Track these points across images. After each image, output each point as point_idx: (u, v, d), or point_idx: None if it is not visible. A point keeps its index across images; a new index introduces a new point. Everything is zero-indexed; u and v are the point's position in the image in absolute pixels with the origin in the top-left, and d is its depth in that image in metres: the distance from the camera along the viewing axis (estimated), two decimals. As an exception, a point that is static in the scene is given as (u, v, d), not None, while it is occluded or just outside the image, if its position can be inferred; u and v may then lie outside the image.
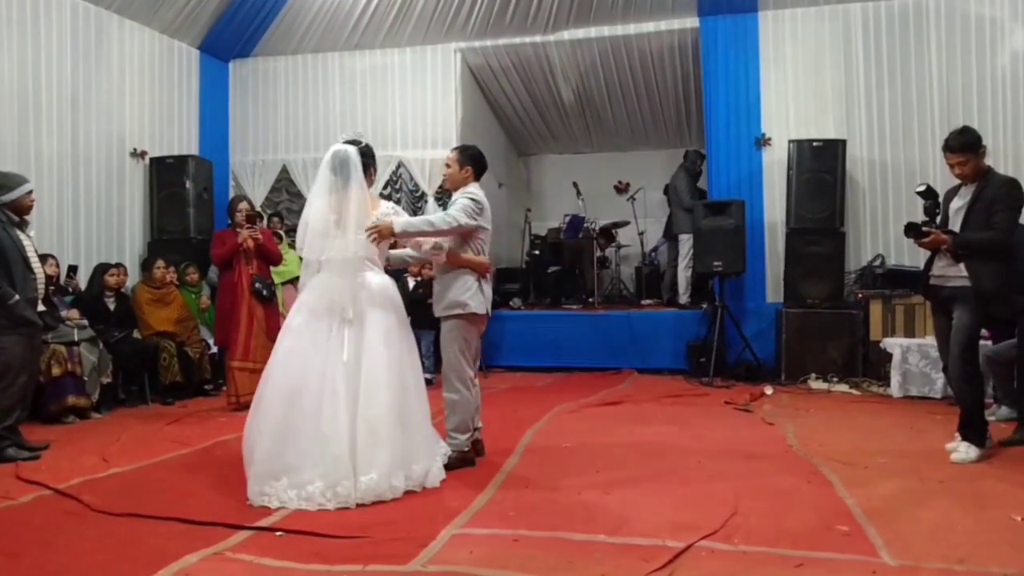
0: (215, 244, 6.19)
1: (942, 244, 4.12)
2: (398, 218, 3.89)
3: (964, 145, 4.07)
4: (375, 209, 3.89)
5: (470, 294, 4.08)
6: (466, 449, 4.12)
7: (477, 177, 4.27)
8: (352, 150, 3.79)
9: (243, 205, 6.20)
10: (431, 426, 3.97)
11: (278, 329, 5.51)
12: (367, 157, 3.88)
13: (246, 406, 5.01)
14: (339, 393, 3.54)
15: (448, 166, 4.29)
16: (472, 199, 4.08)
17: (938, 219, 4.29)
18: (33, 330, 4.61)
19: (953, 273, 4.14)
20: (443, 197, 8.49)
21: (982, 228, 4.04)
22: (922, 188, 4.40)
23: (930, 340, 6.25)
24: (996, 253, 4.03)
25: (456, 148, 4.40)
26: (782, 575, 2.56)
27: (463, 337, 4.11)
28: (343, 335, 3.64)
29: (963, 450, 4.12)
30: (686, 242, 8.29)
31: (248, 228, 6.02)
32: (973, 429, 4.14)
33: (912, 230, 4.22)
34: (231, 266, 6.02)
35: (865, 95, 7.59)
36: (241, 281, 5.99)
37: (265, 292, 6.06)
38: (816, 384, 6.79)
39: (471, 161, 4.25)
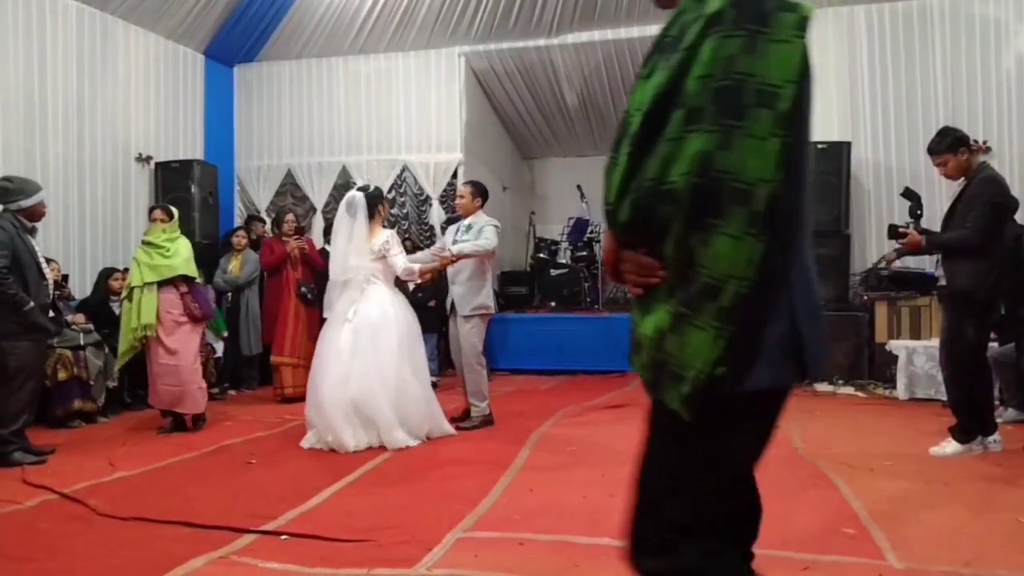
0: (264, 252, 6.86)
1: (917, 244, 4.20)
2: (456, 246, 5.15)
3: (942, 146, 4.17)
4: (375, 237, 4.94)
5: (491, 299, 5.38)
6: (487, 412, 5.27)
7: (483, 205, 5.45)
8: (360, 195, 4.97)
9: (290, 217, 6.92)
10: (417, 406, 4.81)
11: (318, 329, 6.37)
12: (375, 199, 5.02)
13: (292, 398, 6.24)
14: (333, 374, 4.67)
15: (461, 196, 5.47)
16: (496, 225, 5.35)
17: (921, 220, 4.43)
18: (43, 336, 4.64)
19: (942, 274, 4.26)
20: (447, 201, 8.52)
21: (959, 227, 4.07)
22: (903, 191, 4.69)
23: (936, 342, 6.25)
24: (967, 252, 4.06)
25: (468, 182, 5.77)
26: (788, 578, 2.56)
27: (483, 330, 5.35)
28: (345, 331, 4.75)
29: (941, 444, 4.23)
30: None
31: (296, 238, 6.73)
32: (956, 425, 4.21)
33: (893, 232, 4.39)
34: (279, 272, 6.67)
35: (870, 97, 7.57)
36: (289, 286, 6.63)
37: (309, 296, 6.61)
38: (822, 386, 6.77)
39: (482, 194, 5.45)
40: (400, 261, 4.94)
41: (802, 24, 1.27)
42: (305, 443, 4.75)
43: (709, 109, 1.23)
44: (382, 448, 4.60)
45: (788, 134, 1.23)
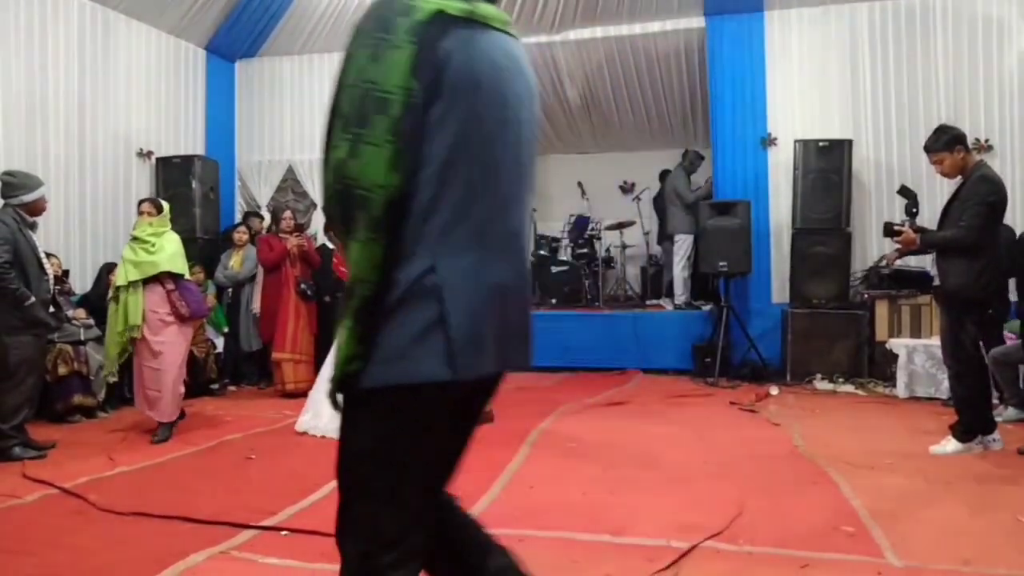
0: (262, 249, 6.92)
1: (912, 242, 4.22)
2: None
3: (938, 145, 4.19)
4: None
5: None
6: (487, 409, 4.97)
7: None
8: None
9: (287, 214, 7.01)
10: None
11: (317, 324, 6.69)
12: None
13: (293, 393, 6.32)
14: None
15: None
16: None
17: (917, 217, 4.49)
18: (44, 331, 4.64)
19: (936, 272, 4.31)
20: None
21: (954, 225, 4.08)
22: (899, 188, 4.76)
23: (936, 341, 6.26)
24: (960, 251, 4.08)
25: None
26: (787, 576, 2.56)
27: None
28: None
29: (941, 442, 4.25)
30: (683, 243, 8.26)
31: (296, 235, 6.84)
32: (957, 424, 4.23)
33: (888, 230, 4.42)
34: (278, 268, 6.74)
35: (871, 95, 7.56)
36: (288, 283, 6.71)
37: (309, 292, 6.74)
38: (822, 385, 6.78)
39: None
40: None
41: (415, 28, 1.30)
42: (299, 426, 5.01)
43: (350, 118, 1.31)
44: None
45: (402, 140, 1.29)
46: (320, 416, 4.89)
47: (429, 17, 1.31)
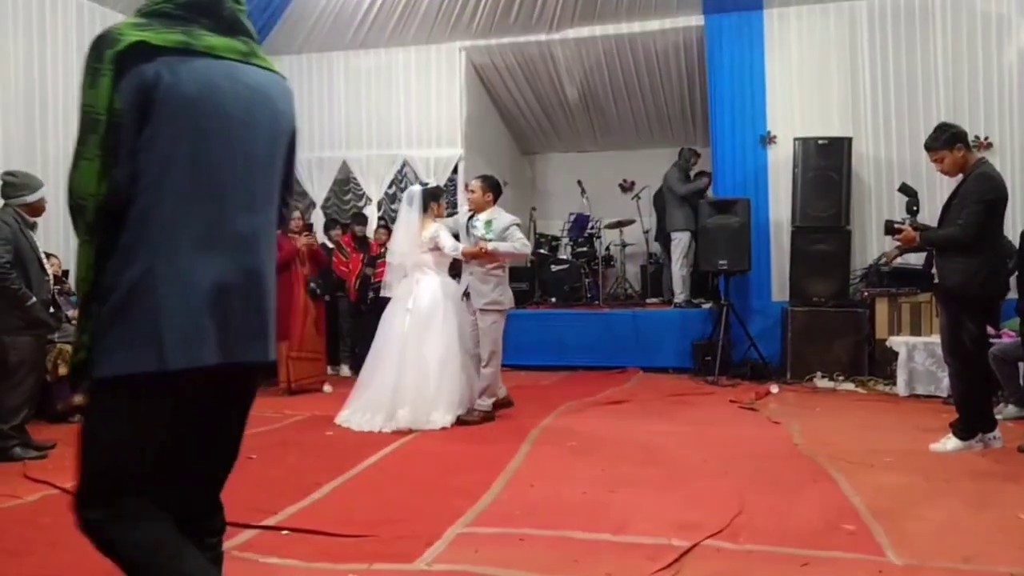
0: None
1: (912, 240, 4.22)
2: (496, 243, 5.25)
3: (938, 143, 4.19)
4: (426, 230, 5.31)
5: (508, 294, 5.45)
6: (490, 408, 5.31)
7: (495, 201, 5.44)
8: (417, 189, 5.45)
9: (296, 214, 7.14)
10: (453, 385, 5.18)
11: (324, 322, 6.98)
12: (429, 195, 5.41)
13: (299, 390, 6.53)
14: (394, 357, 5.12)
15: (472, 191, 5.46)
16: (519, 224, 5.47)
17: (918, 215, 4.53)
18: (44, 331, 4.64)
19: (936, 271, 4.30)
20: (447, 196, 8.51)
21: (954, 223, 4.08)
22: (899, 186, 4.84)
23: (936, 338, 6.26)
24: (959, 249, 4.08)
25: (480, 177, 5.61)
26: (788, 574, 2.56)
27: (502, 326, 5.36)
28: (406, 318, 5.20)
29: (942, 440, 4.25)
30: (679, 240, 8.24)
31: (305, 235, 7.07)
32: (957, 422, 4.24)
33: (889, 227, 4.43)
34: (287, 267, 6.84)
35: (871, 92, 7.57)
36: (297, 281, 6.86)
37: (318, 291, 6.96)
38: (822, 383, 6.78)
39: (493, 189, 5.43)
40: (449, 243, 5.30)
41: (116, 57, 1.51)
42: (338, 419, 5.21)
43: (78, 138, 1.54)
44: (405, 432, 4.86)
45: (109, 154, 1.51)
46: (368, 410, 5.07)
47: (129, 47, 1.51)
